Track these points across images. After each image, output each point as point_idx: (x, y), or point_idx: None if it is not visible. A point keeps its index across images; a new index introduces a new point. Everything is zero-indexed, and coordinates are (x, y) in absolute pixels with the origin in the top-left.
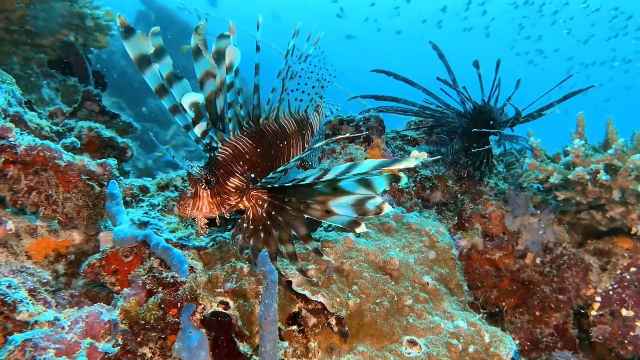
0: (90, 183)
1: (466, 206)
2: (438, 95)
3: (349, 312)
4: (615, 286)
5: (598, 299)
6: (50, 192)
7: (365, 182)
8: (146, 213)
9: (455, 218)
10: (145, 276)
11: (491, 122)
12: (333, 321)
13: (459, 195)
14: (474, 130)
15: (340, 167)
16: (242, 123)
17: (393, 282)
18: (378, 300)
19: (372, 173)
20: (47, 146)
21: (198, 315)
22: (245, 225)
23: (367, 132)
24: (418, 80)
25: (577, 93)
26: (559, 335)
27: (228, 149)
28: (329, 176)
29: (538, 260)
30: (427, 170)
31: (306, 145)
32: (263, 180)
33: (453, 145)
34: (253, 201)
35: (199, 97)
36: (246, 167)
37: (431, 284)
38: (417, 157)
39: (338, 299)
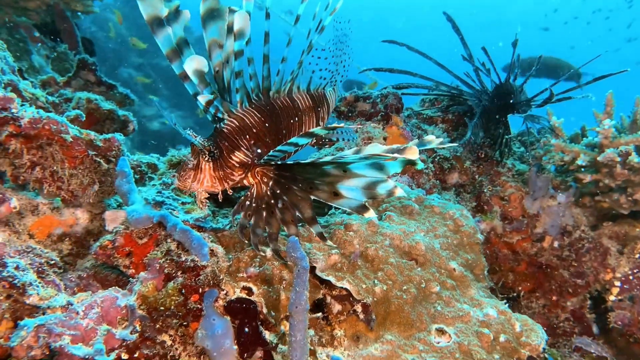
0: (97, 159)
1: (485, 188)
2: (455, 72)
3: (375, 299)
4: (635, 271)
5: (617, 283)
6: (55, 167)
7: (377, 165)
8: (160, 192)
9: (475, 201)
10: (163, 259)
11: (511, 101)
12: (359, 308)
13: (476, 176)
14: (511, 114)
15: (348, 153)
16: (252, 95)
17: (419, 268)
18: (405, 287)
19: (383, 158)
20: (53, 119)
21: (221, 302)
22: (247, 202)
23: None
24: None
25: (606, 76)
26: (575, 320)
27: (234, 121)
28: (337, 158)
29: (556, 244)
30: (445, 150)
31: (321, 123)
32: (267, 156)
33: (472, 125)
34: (258, 178)
35: (204, 64)
36: (252, 142)
37: (458, 270)
38: (430, 140)
39: (364, 285)
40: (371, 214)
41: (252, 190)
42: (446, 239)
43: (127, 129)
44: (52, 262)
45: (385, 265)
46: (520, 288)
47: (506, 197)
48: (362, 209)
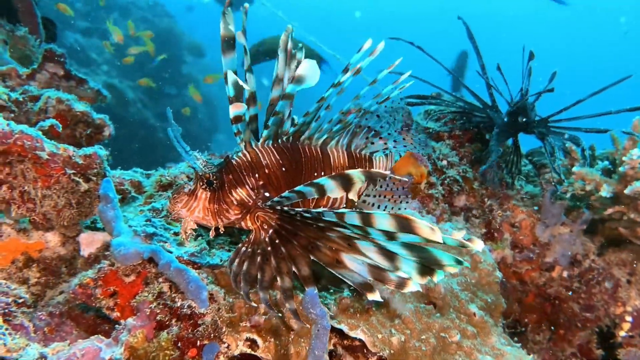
0: (76, 178)
1: (495, 213)
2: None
3: (392, 351)
4: None
5: (629, 318)
6: (26, 187)
7: (388, 254)
8: (149, 220)
9: (485, 227)
10: (155, 304)
11: (525, 120)
12: None
13: (485, 199)
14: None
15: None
16: (281, 135)
17: (438, 314)
18: (423, 337)
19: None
20: (27, 134)
21: (222, 358)
22: (244, 249)
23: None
24: None
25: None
26: (582, 356)
27: (248, 155)
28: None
29: (565, 274)
30: (453, 170)
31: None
32: (271, 201)
33: (493, 148)
34: (258, 223)
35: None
36: (261, 183)
37: (478, 315)
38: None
39: (380, 335)
40: (376, 297)
41: (250, 237)
42: (464, 277)
43: (102, 133)
44: (21, 300)
45: (402, 311)
46: (526, 320)
47: (517, 224)
48: (365, 286)
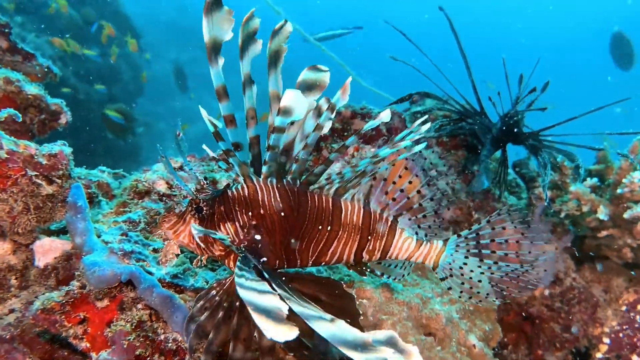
0: (37, 181)
1: None
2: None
3: None
4: (625, 327)
5: (606, 340)
6: None
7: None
8: (125, 234)
9: None
10: (133, 335)
11: (516, 130)
12: None
13: (473, 212)
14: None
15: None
16: (285, 176)
17: (439, 347)
18: None
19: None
20: None
21: None
22: (214, 293)
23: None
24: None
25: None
26: None
27: (247, 190)
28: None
29: (547, 292)
30: (442, 182)
31: (365, 255)
32: (244, 255)
33: (482, 155)
34: None
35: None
36: (254, 223)
37: (478, 347)
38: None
39: None
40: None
41: (227, 281)
42: (462, 304)
43: (57, 121)
44: None
45: None
46: (506, 340)
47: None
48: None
